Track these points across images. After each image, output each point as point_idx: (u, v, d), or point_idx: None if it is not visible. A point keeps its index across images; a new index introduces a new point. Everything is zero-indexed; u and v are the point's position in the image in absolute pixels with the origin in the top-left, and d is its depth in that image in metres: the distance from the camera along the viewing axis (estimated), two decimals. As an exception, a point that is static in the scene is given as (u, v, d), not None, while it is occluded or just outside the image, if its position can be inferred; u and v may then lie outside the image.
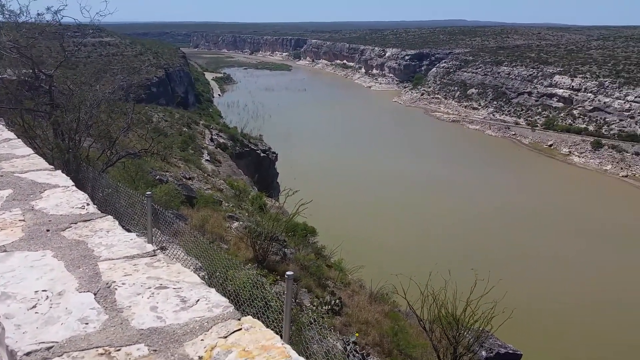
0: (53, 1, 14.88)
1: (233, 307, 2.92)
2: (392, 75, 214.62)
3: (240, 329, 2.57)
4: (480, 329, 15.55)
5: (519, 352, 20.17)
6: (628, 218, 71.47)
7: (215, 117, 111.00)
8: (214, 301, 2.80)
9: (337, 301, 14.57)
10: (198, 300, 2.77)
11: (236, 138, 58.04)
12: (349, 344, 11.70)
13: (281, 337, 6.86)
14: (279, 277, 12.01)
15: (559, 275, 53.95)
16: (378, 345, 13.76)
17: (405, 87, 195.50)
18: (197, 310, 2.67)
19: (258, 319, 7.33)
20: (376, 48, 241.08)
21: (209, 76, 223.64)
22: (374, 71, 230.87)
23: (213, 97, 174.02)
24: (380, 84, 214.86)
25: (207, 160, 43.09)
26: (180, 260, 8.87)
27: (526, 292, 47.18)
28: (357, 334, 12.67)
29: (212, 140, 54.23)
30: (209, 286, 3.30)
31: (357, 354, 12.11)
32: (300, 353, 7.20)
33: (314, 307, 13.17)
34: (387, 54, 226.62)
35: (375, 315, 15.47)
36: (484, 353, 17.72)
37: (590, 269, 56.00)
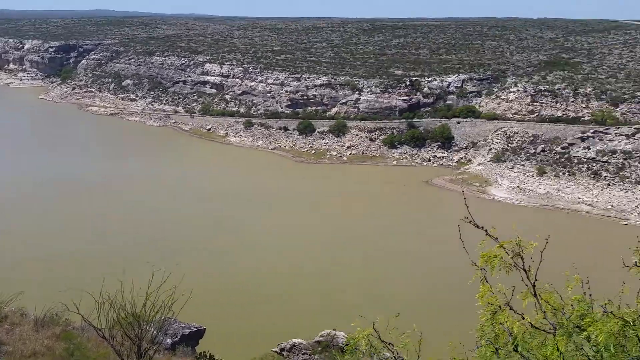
0: None
1: None
2: (35, 69, 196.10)
3: None
4: (163, 318, 15.91)
5: (202, 328, 21.60)
6: (273, 183, 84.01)
7: None
8: None
9: (-10, 342, 12.46)
10: None
11: None
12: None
13: None
14: None
15: (227, 244, 59.48)
16: (52, 372, 12.52)
17: (53, 82, 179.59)
18: None
19: None
20: (11, 40, 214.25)
21: None
22: (12, 66, 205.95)
23: None
24: (21, 80, 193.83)
25: None
26: None
27: (202, 269, 50.18)
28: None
29: None
30: None
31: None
32: None
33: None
34: (26, 47, 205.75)
35: (44, 342, 13.96)
36: (169, 340, 18.26)
37: (242, 227, 63.43)
